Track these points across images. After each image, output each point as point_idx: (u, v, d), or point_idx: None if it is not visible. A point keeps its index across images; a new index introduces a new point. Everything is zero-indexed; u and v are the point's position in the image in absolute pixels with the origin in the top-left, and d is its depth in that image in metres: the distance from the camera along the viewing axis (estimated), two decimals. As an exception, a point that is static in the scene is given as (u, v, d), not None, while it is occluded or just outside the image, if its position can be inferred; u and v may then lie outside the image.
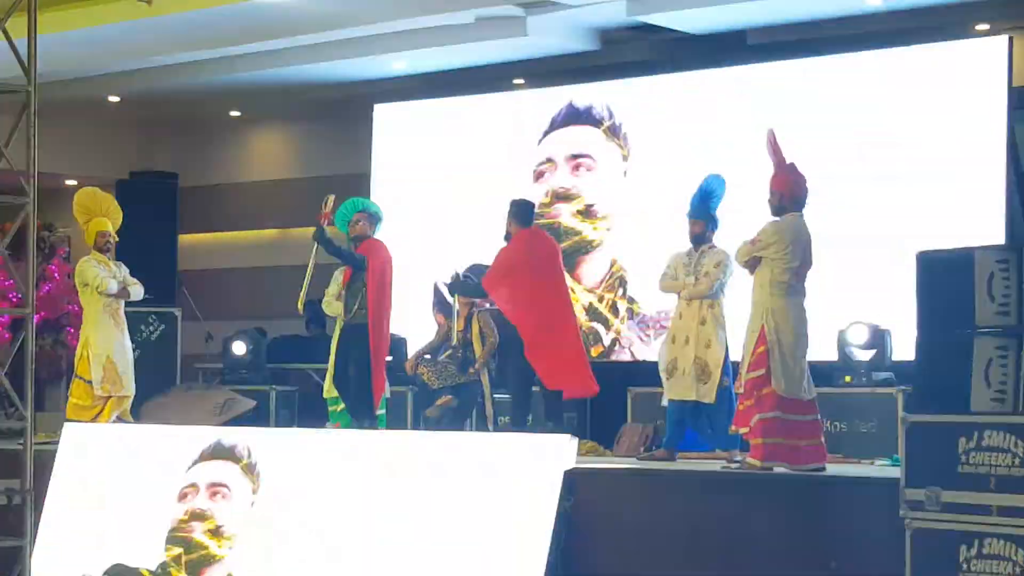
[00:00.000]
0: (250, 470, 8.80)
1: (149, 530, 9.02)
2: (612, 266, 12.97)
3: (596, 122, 13.20)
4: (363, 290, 10.52)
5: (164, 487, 9.11)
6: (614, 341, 12.80)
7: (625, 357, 12.69)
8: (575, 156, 13.29)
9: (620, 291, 12.87)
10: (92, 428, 10.50)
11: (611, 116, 13.14)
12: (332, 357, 11.31)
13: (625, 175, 13.00)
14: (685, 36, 12.89)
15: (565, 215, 13.20)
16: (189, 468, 9.11)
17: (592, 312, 12.96)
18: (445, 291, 12.93)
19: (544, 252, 10.19)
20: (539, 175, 13.44)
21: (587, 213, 13.13)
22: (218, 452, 9.05)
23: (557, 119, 13.45)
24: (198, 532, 8.84)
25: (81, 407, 11.11)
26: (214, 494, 8.90)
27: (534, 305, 9.93)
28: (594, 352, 12.55)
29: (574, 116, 13.37)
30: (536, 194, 13.11)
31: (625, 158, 13.02)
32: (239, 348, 14.25)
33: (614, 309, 12.86)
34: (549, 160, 13.43)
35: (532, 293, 9.93)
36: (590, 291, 13.02)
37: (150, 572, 8.89)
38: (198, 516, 8.89)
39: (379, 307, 10.54)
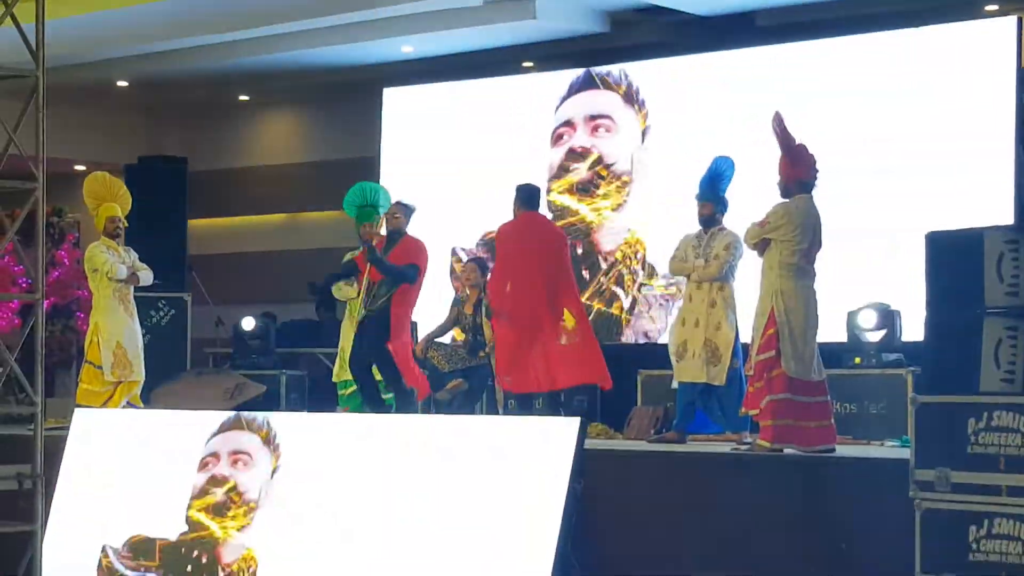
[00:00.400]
0: (270, 442, 8.82)
1: (165, 507, 9.04)
2: (629, 230, 13.00)
3: (614, 88, 13.24)
4: (394, 288, 10.40)
5: (177, 469, 9.12)
6: (632, 305, 12.85)
7: (644, 322, 12.74)
8: (594, 117, 13.32)
9: (638, 255, 12.91)
10: (102, 413, 10.51)
11: (629, 84, 13.16)
12: (348, 342, 11.30)
13: (643, 142, 13.02)
14: (694, 18, 12.88)
15: (583, 174, 13.28)
16: (209, 440, 9.12)
17: (610, 276, 13.01)
18: (463, 256, 12.96)
19: (534, 241, 10.02)
20: (558, 138, 13.48)
21: (608, 173, 13.18)
22: (239, 424, 9.08)
23: (575, 84, 13.48)
24: (220, 498, 8.86)
25: (91, 392, 11.13)
26: (235, 462, 8.91)
27: (516, 299, 9.92)
28: (615, 309, 12.76)
29: (591, 81, 13.41)
30: (555, 157, 13.19)
31: (643, 124, 13.04)
32: (248, 323, 14.30)
33: (632, 273, 12.90)
34: (568, 123, 13.46)
35: (516, 285, 9.92)
36: (608, 255, 13.06)
37: (171, 542, 8.91)
38: (220, 483, 8.90)
39: (407, 305, 10.53)
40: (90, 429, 9.87)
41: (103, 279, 11.19)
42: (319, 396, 13.34)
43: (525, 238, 10.03)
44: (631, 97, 13.12)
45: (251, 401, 12.44)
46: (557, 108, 13.51)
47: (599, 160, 13.23)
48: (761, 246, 8.78)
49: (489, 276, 10.48)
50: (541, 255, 9.96)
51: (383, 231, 10.57)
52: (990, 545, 6.36)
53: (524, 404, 10.20)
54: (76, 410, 10.25)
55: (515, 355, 9.85)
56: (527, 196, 10.19)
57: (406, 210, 10.57)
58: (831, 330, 9.82)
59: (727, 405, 9.52)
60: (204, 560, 8.75)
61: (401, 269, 10.24)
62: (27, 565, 7.96)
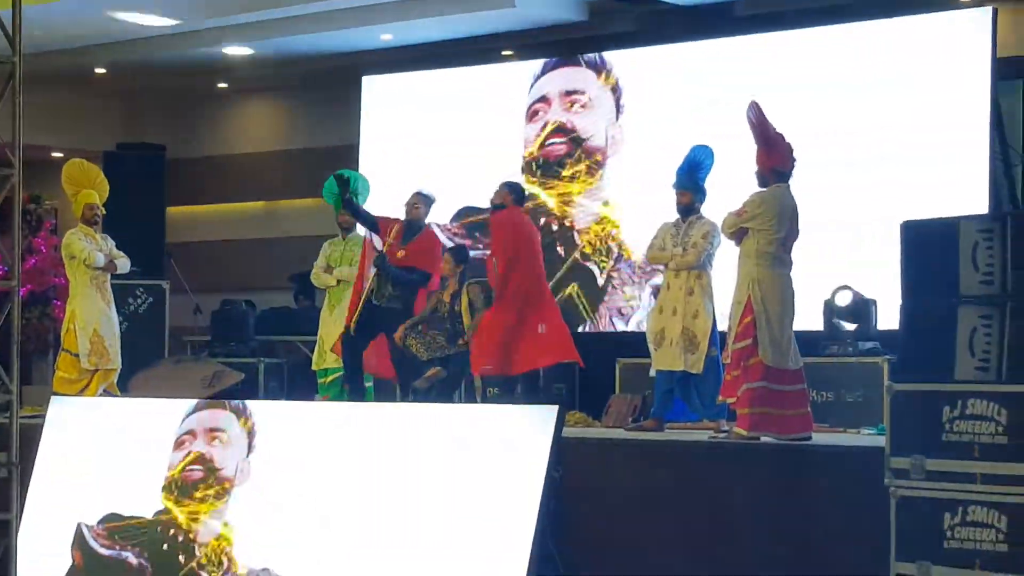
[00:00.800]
0: (246, 420, 8.82)
1: (141, 488, 9.03)
2: (604, 206, 13.04)
3: (588, 65, 13.28)
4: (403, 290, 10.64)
5: (152, 453, 9.11)
6: (607, 282, 12.90)
7: (617, 299, 12.79)
8: (569, 93, 13.35)
9: (612, 231, 12.96)
10: (79, 401, 10.48)
11: (603, 61, 13.19)
12: (328, 330, 11.31)
13: (617, 119, 13.05)
14: (673, 7, 12.89)
15: (559, 149, 13.32)
16: (184, 419, 9.11)
17: (585, 253, 13.05)
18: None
19: (527, 231, 10.36)
20: (533, 114, 13.50)
21: (582, 147, 13.23)
22: (214, 403, 9.10)
23: (549, 63, 13.50)
24: (196, 475, 8.85)
25: (68, 380, 11.11)
26: (212, 439, 8.91)
27: (516, 284, 10.12)
28: (588, 286, 12.92)
29: (567, 60, 13.45)
30: (530, 133, 13.24)
31: (618, 102, 13.07)
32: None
33: (607, 249, 12.95)
34: (543, 98, 13.48)
35: (517, 271, 10.12)
36: (583, 231, 13.09)
37: (147, 520, 8.91)
38: (197, 460, 8.90)
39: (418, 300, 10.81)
40: (67, 417, 9.85)
41: (80, 267, 11.17)
42: (298, 384, 13.34)
43: (520, 228, 10.28)
44: (606, 74, 13.17)
45: (229, 389, 12.43)
46: (532, 85, 13.53)
47: (574, 134, 13.29)
48: (738, 235, 8.79)
49: (490, 262, 10.54)
50: (533, 245, 10.28)
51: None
52: (965, 532, 6.38)
53: (505, 389, 10.28)
54: (52, 398, 10.23)
55: (505, 339, 10.02)
56: (519, 193, 10.46)
57: (426, 200, 10.76)
58: (807, 318, 9.85)
59: (705, 393, 9.53)
60: (180, 539, 8.75)
61: (411, 279, 10.47)
62: (2, 553, 7.95)
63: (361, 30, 13.85)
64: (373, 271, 10.74)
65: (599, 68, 13.21)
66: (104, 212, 11.45)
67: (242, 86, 16.65)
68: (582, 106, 13.27)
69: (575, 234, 13.15)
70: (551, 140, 13.36)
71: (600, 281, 12.97)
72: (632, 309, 12.66)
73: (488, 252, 10.77)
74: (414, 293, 10.61)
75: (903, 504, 6.61)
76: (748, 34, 12.53)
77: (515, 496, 7.59)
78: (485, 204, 10.61)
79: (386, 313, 10.54)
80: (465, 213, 13.44)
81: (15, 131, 7.93)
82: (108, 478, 9.27)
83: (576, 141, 13.25)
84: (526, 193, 10.79)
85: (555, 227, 13.17)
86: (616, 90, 13.09)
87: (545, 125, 13.40)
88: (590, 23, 13.38)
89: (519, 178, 12.98)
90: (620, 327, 12.80)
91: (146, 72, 15.73)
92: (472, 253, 11.55)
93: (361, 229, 11.53)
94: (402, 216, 10.87)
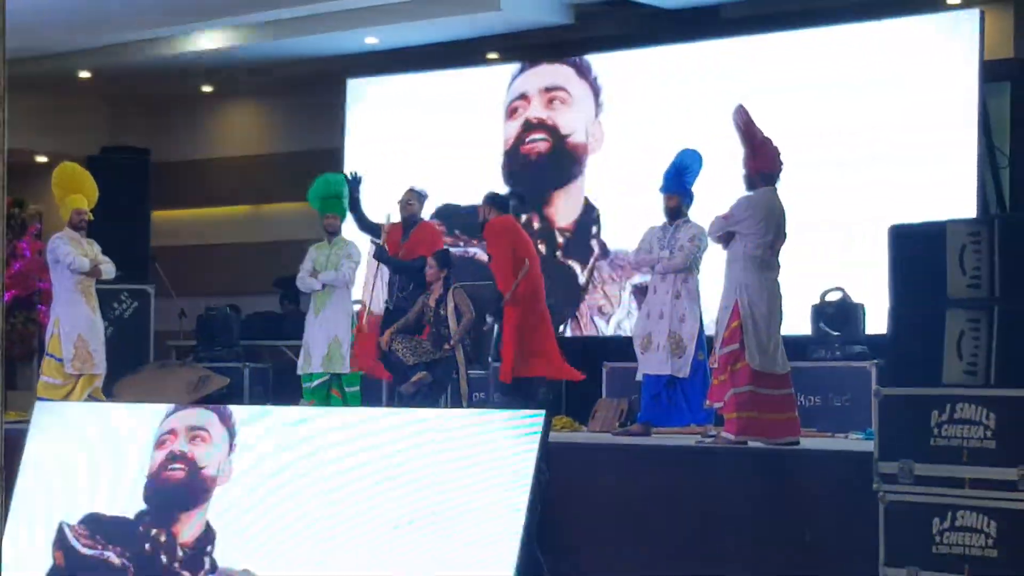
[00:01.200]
0: (227, 420, 8.78)
1: (124, 489, 8.99)
2: (586, 203, 13.04)
3: (567, 62, 13.32)
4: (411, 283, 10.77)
5: (136, 456, 9.07)
6: (588, 279, 12.90)
7: (598, 296, 12.80)
8: (549, 89, 13.37)
9: (594, 228, 12.97)
10: (63, 406, 10.44)
11: (582, 59, 13.20)
12: (313, 335, 11.29)
13: (597, 116, 13.05)
14: (659, 10, 12.89)
15: (539, 146, 13.34)
16: (165, 419, 9.07)
17: (567, 250, 13.05)
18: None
19: (527, 238, 10.54)
20: (512, 111, 13.51)
21: (563, 144, 13.24)
22: (195, 404, 9.07)
23: (526, 64, 13.53)
24: (178, 474, 8.81)
25: (52, 386, 11.06)
26: (194, 438, 8.84)
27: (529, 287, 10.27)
28: (570, 284, 12.95)
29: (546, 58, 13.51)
30: (510, 130, 13.24)
31: (597, 98, 13.08)
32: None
33: (588, 246, 12.96)
34: (523, 96, 13.49)
35: (532, 274, 10.30)
36: (564, 229, 13.09)
37: (129, 520, 8.86)
38: (179, 458, 8.84)
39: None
40: (51, 422, 9.79)
41: (65, 271, 11.12)
42: (283, 389, 13.30)
43: (514, 232, 10.43)
44: (584, 71, 13.19)
45: (215, 393, 12.39)
46: (511, 82, 13.54)
47: (554, 131, 13.31)
48: (725, 239, 8.77)
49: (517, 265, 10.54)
50: (530, 248, 10.50)
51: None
52: (954, 537, 6.36)
53: (524, 390, 10.37)
54: (37, 403, 10.16)
55: (514, 345, 10.18)
56: (503, 202, 10.58)
57: (419, 196, 10.90)
58: (796, 322, 9.84)
59: (692, 397, 9.52)
60: (162, 538, 8.70)
61: (414, 265, 10.50)
62: (-13, 560, 7.90)
63: (346, 34, 13.82)
64: (375, 266, 10.83)
65: (578, 65, 13.23)
66: (91, 218, 11.41)
67: (226, 90, 16.61)
68: (562, 103, 13.29)
69: (556, 231, 13.16)
70: (531, 137, 13.38)
71: (581, 279, 12.98)
72: (612, 308, 12.67)
73: (466, 251, 10.78)
74: (422, 282, 10.61)
75: (892, 509, 6.59)
76: (735, 36, 12.53)
77: (501, 502, 7.56)
78: (465, 204, 10.65)
79: (396, 315, 10.63)
80: (444, 211, 13.51)
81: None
82: (91, 479, 9.23)
83: (557, 137, 13.27)
84: (506, 195, 10.84)
85: (536, 224, 13.19)
86: (595, 87, 13.11)
87: (525, 122, 13.42)
88: (576, 26, 13.37)
89: (501, 177, 13.02)
90: (601, 326, 12.79)
91: (130, 76, 15.69)
92: (454, 251, 11.57)
93: (347, 233, 11.50)
94: (396, 217, 10.92)
